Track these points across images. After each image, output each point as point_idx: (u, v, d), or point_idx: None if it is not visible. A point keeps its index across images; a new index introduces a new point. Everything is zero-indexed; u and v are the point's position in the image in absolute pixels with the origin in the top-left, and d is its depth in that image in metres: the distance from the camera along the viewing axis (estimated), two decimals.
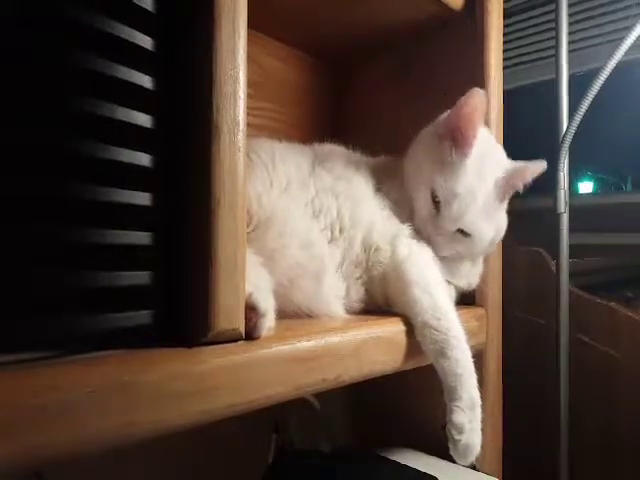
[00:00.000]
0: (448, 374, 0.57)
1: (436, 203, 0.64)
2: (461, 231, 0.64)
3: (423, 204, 0.65)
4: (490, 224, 0.65)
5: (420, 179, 0.65)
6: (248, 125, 0.43)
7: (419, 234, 0.65)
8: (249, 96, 0.43)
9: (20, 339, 0.34)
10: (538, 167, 0.66)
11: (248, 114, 0.43)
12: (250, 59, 0.43)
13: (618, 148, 1.83)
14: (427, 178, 0.64)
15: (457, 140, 0.63)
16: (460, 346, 0.57)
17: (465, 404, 0.56)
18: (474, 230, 0.64)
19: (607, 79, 0.86)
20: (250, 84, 0.43)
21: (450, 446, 0.57)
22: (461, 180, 0.63)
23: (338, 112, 1.01)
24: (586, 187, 2.03)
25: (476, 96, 0.61)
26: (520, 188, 0.66)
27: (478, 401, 0.57)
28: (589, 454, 0.95)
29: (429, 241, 0.65)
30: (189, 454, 0.72)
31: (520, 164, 0.66)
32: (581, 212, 1.02)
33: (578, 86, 0.92)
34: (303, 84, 0.98)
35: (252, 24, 0.43)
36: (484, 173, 0.64)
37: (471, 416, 0.56)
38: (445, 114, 0.67)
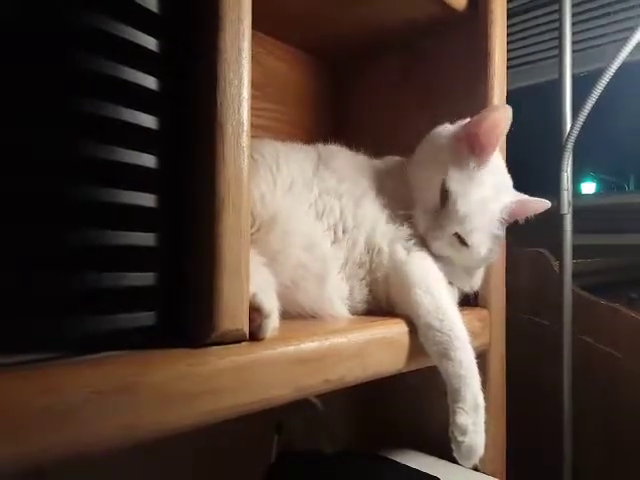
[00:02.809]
0: (451, 375, 0.56)
1: (444, 198, 0.63)
2: (458, 237, 0.63)
3: (430, 195, 0.64)
4: (487, 243, 0.65)
5: (434, 168, 0.64)
6: (251, 126, 0.43)
7: (416, 230, 0.64)
8: (252, 97, 0.43)
9: (23, 340, 0.34)
10: (543, 205, 0.67)
11: (251, 115, 0.43)
12: (253, 60, 0.42)
13: (620, 148, 1.83)
14: (442, 168, 0.63)
15: (474, 149, 0.63)
16: (463, 347, 0.57)
17: (469, 406, 0.56)
18: (471, 240, 0.63)
19: (610, 80, 0.86)
20: (253, 85, 0.43)
21: (453, 448, 0.56)
22: (475, 186, 0.63)
23: (340, 112, 1.01)
24: (588, 188, 2.03)
25: (501, 111, 0.61)
26: (522, 220, 0.67)
27: (482, 402, 0.57)
28: (592, 454, 0.95)
29: (424, 236, 0.64)
30: (190, 454, 0.72)
31: (527, 197, 0.67)
32: (583, 213, 1.02)
33: (581, 87, 0.92)
34: (305, 85, 0.98)
35: (254, 25, 0.43)
36: (497, 193, 0.65)
37: (475, 418, 0.56)
38: (465, 120, 0.67)
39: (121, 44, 0.37)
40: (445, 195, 0.63)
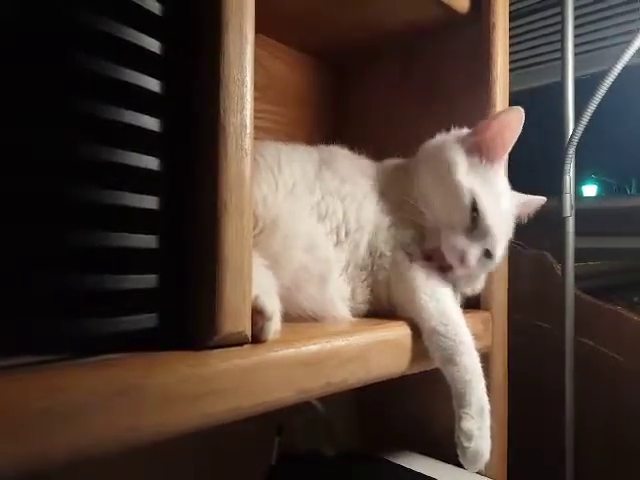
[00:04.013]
0: (456, 380, 0.56)
1: (473, 217, 0.60)
2: (486, 252, 0.62)
3: (458, 215, 0.61)
4: (505, 248, 0.66)
5: (453, 188, 0.61)
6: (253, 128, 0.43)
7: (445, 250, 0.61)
8: (254, 99, 0.43)
9: (25, 342, 0.34)
10: (540, 201, 0.68)
11: (253, 117, 0.43)
12: (255, 62, 0.42)
13: (622, 151, 1.83)
14: (468, 188, 0.61)
15: (486, 155, 0.63)
16: (468, 352, 0.57)
17: (474, 410, 0.55)
18: (498, 251, 0.63)
19: (612, 82, 0.86)
20: (254, 87, 0.43)
21: (459, 453, 0.56)
22: (499, 197, 0.63)
23: (341, 114, 1.00)
24: (590, 190, 2.03)
25: (513, 113, 0.61)
26: (523, 220, 0.69)
27: (487, 407, 0.57)
28: (594, 457, 0.95)
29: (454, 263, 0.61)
30: (191, 455, 0.72)
31: (527, 197, 0.68)
32: (585, 215, 1.02)
33: (584, 89, 0.92)
34: (306, 86, 0.98)
35: (258, 27, 0.43)
36: (510, 199, 0.66)
37: (480, 422, 0.55)
38: (463, 130, 0.67)
39: (123, 46, 0.37)
40: (475, 214, 0.60)
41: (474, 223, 0.61)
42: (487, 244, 0.62)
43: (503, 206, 0.63)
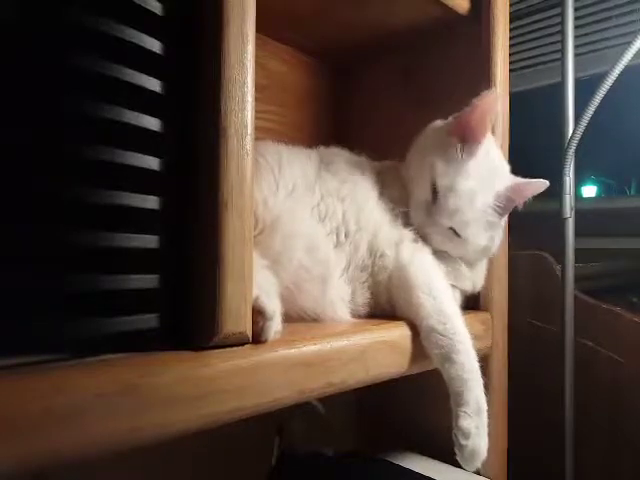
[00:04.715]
0: (454, 379, 0.56)
1: (434, 193, 0.64)
2: (453, 230, 0.64)
3: (422, 191, 0.65)
4: (484, 233, 0.65)
5: (423, 167, 0.65)
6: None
7: (414, 224, 0.65)
8: (255, 99, 0.43)
9: (26, 342, 0.34)
10: (540, 185, 0.66)
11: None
12: (256, 62, 0.42)
13: (621, 151, 1.83)
14: (430, 167, 0.64)
15: (466, 138, 0.64)
16: (466, 351, 0.57)
17: (471, 409, 0.56)
18: (466, 233, 0.64)
19: (612, 83, 0.86)
20: (255, 87, 0.43)
21: (456, 451, 0.56)
22: (463, 178, 0.63)
23: (341, 115, 1.01)
24: (589, 191, 2.02)
25: (490, 97, 0.62)
26: (520, 205, 0.66)
27: (484, 406, 0.57)
28: (594, 458, 0.95)
29: (421, 232, 0.65)
30: (191, 455, 0.72)
31: (522, 180, 0.66)
32: (584, 216, 1.02)
33: (584, 90, 0.92)
34: (306, 87, 0.98)
35: (257, 27, 0.43)
36: (488, 182, 0.64)
37: (477, 421, 0.56)
38: (457, 113, 0.67)
39: (126, 47, 0.37)
40: (435, 191, 0.63)
41: (435, 200, 0.63)
42: (451, 222, 0.63)
43: (469, 189, 0.63)
